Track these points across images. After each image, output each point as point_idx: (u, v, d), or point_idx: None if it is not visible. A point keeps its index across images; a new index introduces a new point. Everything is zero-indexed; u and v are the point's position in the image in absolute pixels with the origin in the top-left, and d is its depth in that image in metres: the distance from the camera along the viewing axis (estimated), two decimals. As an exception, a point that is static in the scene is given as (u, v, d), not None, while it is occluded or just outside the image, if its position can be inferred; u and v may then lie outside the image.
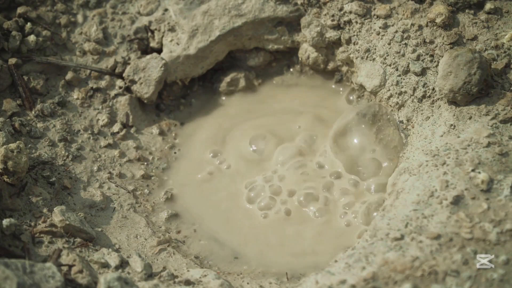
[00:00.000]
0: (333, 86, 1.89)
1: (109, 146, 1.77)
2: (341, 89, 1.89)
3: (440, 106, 1.59)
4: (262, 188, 1.69)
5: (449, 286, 1.25)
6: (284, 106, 1.88)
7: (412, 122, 1.63)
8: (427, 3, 1.69)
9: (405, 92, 1.65)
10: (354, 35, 1.76)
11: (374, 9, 1.73)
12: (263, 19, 1.85)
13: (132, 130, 1.82)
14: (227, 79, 1.92)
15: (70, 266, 1.36)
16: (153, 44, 1.89)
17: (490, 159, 1.42)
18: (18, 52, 1.77)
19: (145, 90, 1.82)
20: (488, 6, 1.64)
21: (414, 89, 1.64)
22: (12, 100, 1.73)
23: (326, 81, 1.91)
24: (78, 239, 1.49)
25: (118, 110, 1.82)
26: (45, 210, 1.54)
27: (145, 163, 1.77)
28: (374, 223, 1.43)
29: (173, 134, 1.86)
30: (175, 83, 1.91)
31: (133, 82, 1.83)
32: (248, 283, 1.50)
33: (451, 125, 1.53)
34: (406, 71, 1.66)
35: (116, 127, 1.80)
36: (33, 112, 1.74)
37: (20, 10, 1.82)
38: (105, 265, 1.43)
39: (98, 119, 1.79)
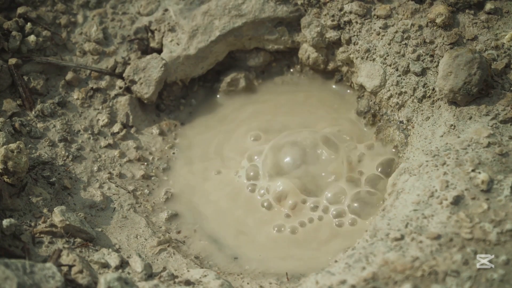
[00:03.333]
0: (334, 86, 1.90)
1: (109, 146, 1.77)
2: (342, 89, 1.89)
3: (440, 106, 1.59)
4: (263, 188, 1.70)
5: (449, 286, 1.25)
6: (284, 106, 1.88)
7: (412, 122, 1.63)
8: (427, 3, 1.69)
9: (405, 92, 1.65)
10: (354, 35, 1.76)
11: (374, 9, 1.73)
12: (263, 19, 1.85)
13: (132, 130, 1.82)
14: (227, 79, 1.92)
15: (70, 266, 1.36)
16: (153, 44, 1.89)
17: (490, 159, 1.42)
18: (18, 52, 1.77)
19: (145, 90, 1.82)
20: (488, 6, 1.64)
21: (414, 89, 1.64)
22: (12, 100, 1.73)
23: (326, 81, 1.91)
24: (78, 239, 1.49)
25: (118, 110, 1.82)
26: (45, 210, 1.54)
27: (145, 163, 1.77)
28: (374, 223, 1.42)
29: (173, 134, 1.86)
30: (175, 83, 1.91)
31: (133, 82, 1.83)
32: (248, 283, 1.50)
33: (451, 125, 1.53)
34: (406, 71, 1.66)
35: (116, 127, 1.80)
36: (33, 112, 1.74)
37: (20, 10, 1.82)
38: (105, 265, 1.43)
39: (98, 119, 1.79)
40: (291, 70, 1.94)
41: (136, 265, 1.44)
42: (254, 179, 1.72)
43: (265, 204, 1.67)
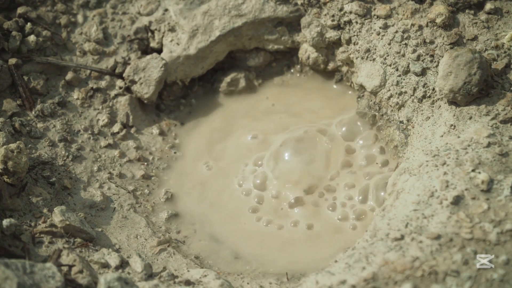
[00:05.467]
0: (334, 86, 1.89)
1: (109, 146, 1.77)
2: (342, 89, 1.89)
3: (440, 106, 1.59)
4: (263, 188, 1.70)
5: (449, 286, 1.25)
6: (284, 106, 1.88)
7: (412, 122, 1.63)
8: (427, 3, 1.69)
9: (405, 92, 1.65)
10: (354, 35, 1.76)
11: (374, 9, 1.73)
12: (263, 19, 1.85)
13: (132, 130, 1.82)
14: (227, 79, 1.92)
15: (70, 266, 1.36)
16: (153, 44, 1.89)
17: (490, 159, 1.42)
18: (18, 52, 1.77)
19: (145, 90, 1.82)
20: (488, 6, 1.64)
21: (414, 89, 1.64)
22: (12, 100, 1.73)
23: (326, 81, 1.91)
24: (78, 239, 1.49)
25: (118, 110, 1.82)
26: (45, 210, 1.54)
27: (145, 163, 1.77)
28: (374, 223, 1.43)
29: (173, 134, 1.86)
30: (175, 83, 1.91)
31: (133, 82, 1.83)
32: (248, 283, 1.50)
33: (451, 125, 1.53)
34: (406, 71, 1.66)
35: (116, 127, 1.80)
36: (33, 112, 1.74)
37: (20, 10, 1.83)
38: (105, 265, 1.43)
39: (98, 119, 1.79)
40: (291, 70, 1.94)
41: (136, 265, 1.44)
42: (257, 182, 1.72)
43: (265, 204, 1.67)
